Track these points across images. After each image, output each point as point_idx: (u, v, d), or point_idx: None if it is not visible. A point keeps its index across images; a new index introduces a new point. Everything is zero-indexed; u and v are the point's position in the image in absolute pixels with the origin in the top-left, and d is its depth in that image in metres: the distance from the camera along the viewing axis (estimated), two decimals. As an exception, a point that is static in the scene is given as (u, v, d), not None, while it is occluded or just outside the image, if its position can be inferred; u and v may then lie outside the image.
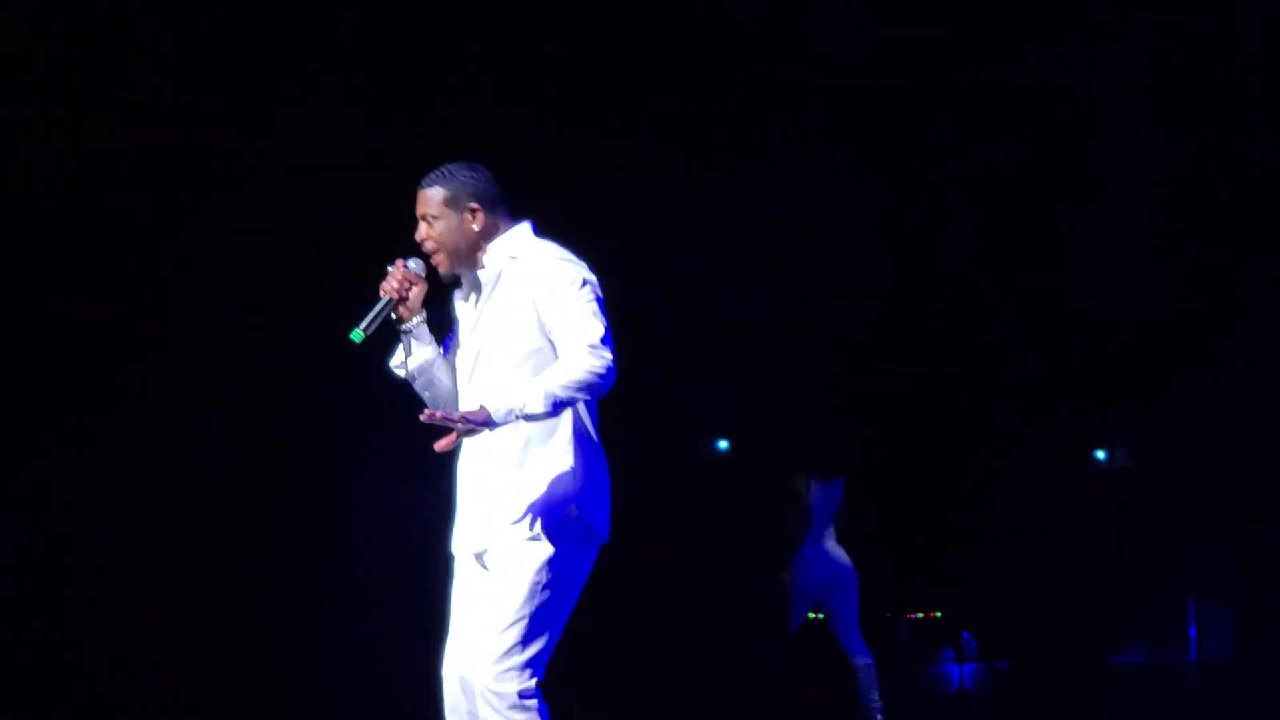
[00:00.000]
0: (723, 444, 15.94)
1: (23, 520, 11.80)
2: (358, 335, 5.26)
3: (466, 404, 5.37)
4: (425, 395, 5.55)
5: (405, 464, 12.63)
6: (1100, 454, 15.95)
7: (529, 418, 5.08)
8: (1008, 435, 15.30)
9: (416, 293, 5.43)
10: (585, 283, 5.29)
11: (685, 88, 12.91)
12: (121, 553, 12.02)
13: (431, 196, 5.42)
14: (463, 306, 5.54)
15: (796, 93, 13.51)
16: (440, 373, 5.52)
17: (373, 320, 5.30)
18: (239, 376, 12.07)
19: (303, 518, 12.74)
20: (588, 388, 5.12)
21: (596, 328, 5.18)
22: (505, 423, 5.07)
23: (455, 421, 5.03)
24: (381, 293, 5.38)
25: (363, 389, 11.61)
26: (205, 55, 11.53)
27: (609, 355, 5.15)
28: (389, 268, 5.43)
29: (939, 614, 15.80)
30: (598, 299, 5.29)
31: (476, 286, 5.47)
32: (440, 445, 5.14)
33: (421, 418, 5.08)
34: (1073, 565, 15.40)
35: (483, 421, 5.05)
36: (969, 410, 15.02)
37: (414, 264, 5.44)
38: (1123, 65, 13.50)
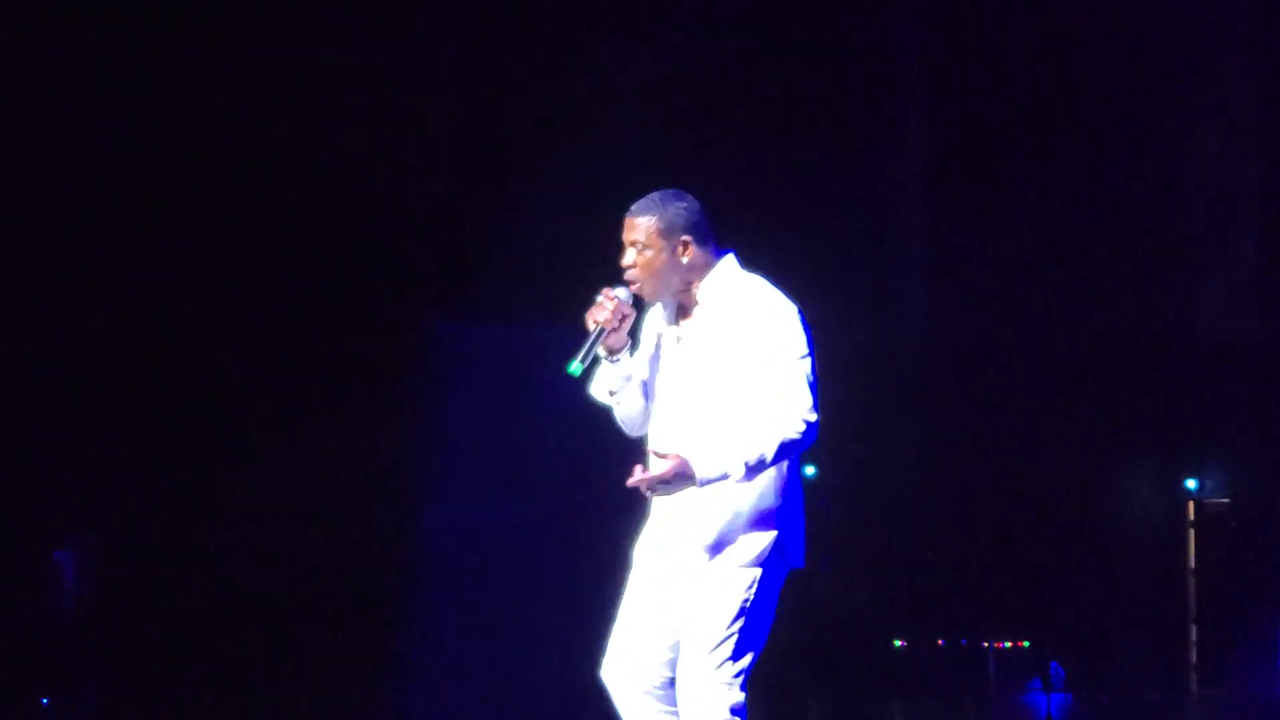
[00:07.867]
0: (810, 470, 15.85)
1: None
2: (576, 369, 5.22)
3: (661, 429, 5.38)
4: (619, 414, 5.52)
5: (495, 483, 12.59)
6: (1191, 483, 15.82)
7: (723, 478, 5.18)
8: (1099, 463, 15.20)
9: (626, 324, 5.39)
10: (803, 349, 5.29)
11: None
12: (224, 574, 12.06)
13: (644, 224, 5.36)
14: (667, 331, 5.49)
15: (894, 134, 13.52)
16: (637, 394, 5.49)
17: (587, 352, 5.27)
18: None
19: (387, 537, 12.73)
20: (790, 447, 5.22)
21: (807, 395, 5.24)
22: (704, 485, 5.17)
23: (657, 481, 5.15)
24: (591, 323, 5.32)
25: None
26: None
27: (814, 418, 5.23)
28: (598, 298, 5.35)
29: (1026, 643, 15.67)
30: (810, 355, 5.30)
31: (682, 313, 5.45)
32: (632, 482, 5.19)
33: (628, 483, 5.18)
34: (1162, 595, 15.30)
35: (683, 475, 5.15)
36: (1060, 437, 14.93)
37: (624, 294, 5.37)
38: (1224, 95, 13.46)
